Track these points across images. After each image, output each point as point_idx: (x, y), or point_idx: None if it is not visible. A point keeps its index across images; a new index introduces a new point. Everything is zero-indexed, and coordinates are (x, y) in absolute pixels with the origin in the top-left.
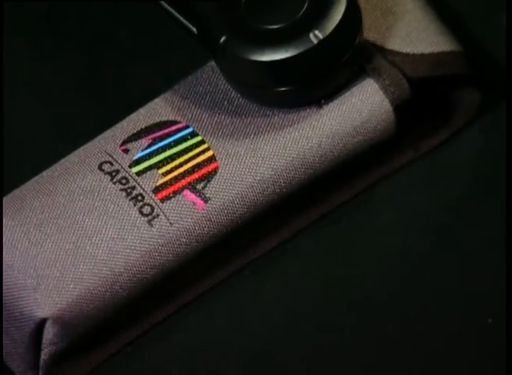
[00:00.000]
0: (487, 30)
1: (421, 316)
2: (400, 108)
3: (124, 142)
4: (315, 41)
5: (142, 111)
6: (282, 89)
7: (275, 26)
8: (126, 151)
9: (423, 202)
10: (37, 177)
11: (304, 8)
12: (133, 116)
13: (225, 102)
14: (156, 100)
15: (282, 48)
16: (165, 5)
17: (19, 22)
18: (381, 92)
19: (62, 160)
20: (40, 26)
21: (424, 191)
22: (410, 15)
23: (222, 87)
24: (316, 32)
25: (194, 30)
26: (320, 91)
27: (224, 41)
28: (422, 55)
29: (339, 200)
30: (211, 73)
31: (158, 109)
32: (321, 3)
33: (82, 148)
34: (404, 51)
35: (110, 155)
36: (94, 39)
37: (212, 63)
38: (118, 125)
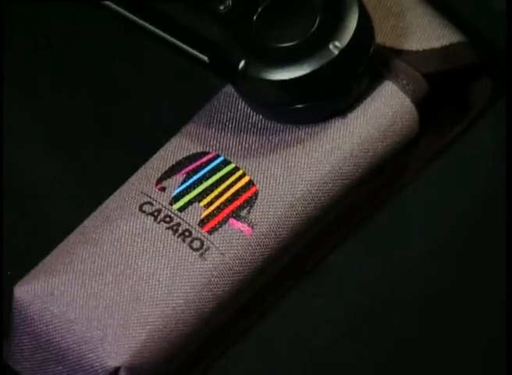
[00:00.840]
0: (484, 18)
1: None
2: (421, 105)
3: (159, 180)
4: (336, 52)
5: (169, 147)
6: (309, 104)
7: (292, 43)
8: (163, 189)
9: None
10: (79, 228)
11: (317, 20)
12: (161, 153)
13: (250, 126)
14: (180, 134)
15: (304, 64)
16: (171, 38)
17: (22, 68)
18: (401, 93)
19: (101, 207)
20: (42, 69)
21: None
22: (410, 12)
23: (243, 111)
24: (335, 43)
25: (206, 58)
26: (345, 100)
27: (244, 65)
28: (432, 50)
29: (369, 211)
30: (228, 99)
31: (184, 143)
32: (334, 13)
33: (117, 192)
34: (414, 48)
35: (148, 196)
36: (98, 78)
37: (227, 89)
38: (148, 164)
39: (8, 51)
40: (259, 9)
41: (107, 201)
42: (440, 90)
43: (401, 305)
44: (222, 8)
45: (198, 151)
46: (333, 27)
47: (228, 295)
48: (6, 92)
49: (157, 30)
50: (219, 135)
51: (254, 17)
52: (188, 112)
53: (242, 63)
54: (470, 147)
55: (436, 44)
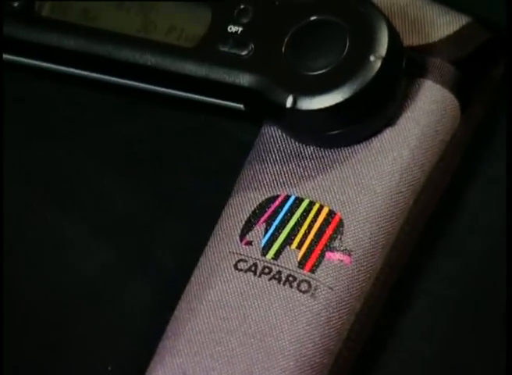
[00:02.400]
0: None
1: None
2: (457, 93)
3: (242, 236)
4: (379, 62)
5: (234, 202)
6: (363, 121)
7: (332, 66)
8: (250, 243)
9: None
10: (181, 305)
11: (348, 39)
12: (230, 210)
13: (307, 158)
14: (239, 186)
15: (352, 83)
16: (203, 97)
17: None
18: (438, 85)
19: (193, 279)
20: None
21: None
22: (410, 8)
23: (294, 146)
24: (375, 54)
25: (241, 106)
26: (394, 109)
27: (292, 101)
28: (448, 37)
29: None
30: (272, 139)
31: (249, 194)
32: (362, 28)
33: (202, 261)
34: (431, 41)
35: (238, 254)
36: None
37: (266, 130)
38: (221, 225)
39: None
40: (285, 42)
41: (196, 272)
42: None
43: None
44: (245, 54)
45: (266, 197)
46: (368, 40)
47: (346, 326)
48: None
49: (177, 92)
50: (281, 176)
51: (283, 50)
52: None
53: (290, 100)
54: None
55: (448, 31)
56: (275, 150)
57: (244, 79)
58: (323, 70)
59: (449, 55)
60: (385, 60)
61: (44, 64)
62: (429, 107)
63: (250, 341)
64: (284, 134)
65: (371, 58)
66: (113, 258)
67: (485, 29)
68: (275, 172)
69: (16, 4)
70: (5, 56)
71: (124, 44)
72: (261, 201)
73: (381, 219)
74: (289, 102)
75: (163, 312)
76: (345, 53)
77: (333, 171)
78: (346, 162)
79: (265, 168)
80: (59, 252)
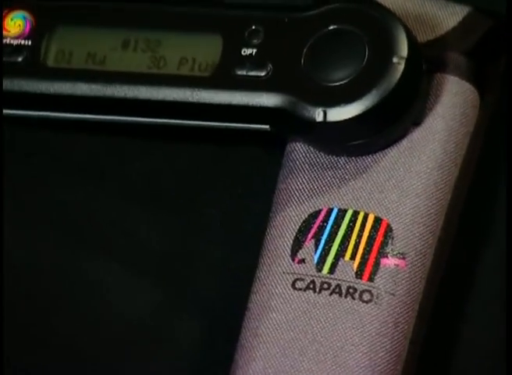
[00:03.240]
0: None
1: None
2: (473, 83)
3: (293, 255)
4: (402, 63)
5: (275, 223)
6: (394, 124)
7: (356, 74)
8: (303, 261)
9: None
10: (245, 333)
11: (366, 45)
12: (274, 231)
13: (341, 169)
14: (277, 205)
15: (379, 87)
16: (226, 124)
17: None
18: (457, 78)
19: (250, 306)
20: None
21: None
22: (409, 5)
23: (323, 158)
24: (398, 55)
25: (267, 127)
26: (421, 108)
27: (322, 114)
28: (454, 29)
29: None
30: (301, 155)
31: (290, 212)
32: (379, 32)
33: (257, 286)
34: (439, 34)
35: (293, 273)
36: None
37: (293, 148)
38: (269, 247)
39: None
40: (303, 56)
41: (254, 298)
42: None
43: None
44: (264, 74)
45: (309, 213)
46: (387, 43)
47: (411, 329)
48: None
49: (198, 123)
50: (319, 190)
51: (302, 65)
52: None
53: (320, 113)
54: None
55: (452, 22)
56: (306, 166)
57: (268, 99)
58: (348, 79)
59: (458, 46)
60: (408, 60)
61: (56, 114)
62: (452, 101)
63: (324, 359)
64: (312, 148)
65: (394, 59)
66: (157, 296)
67: (486, 17)
68: (313, 187)
69: (19, 58)
70: (18, 112)
71: (138, 83)
72: (304, 218)
73: (426, 218)
74: (319, 116)
75: (215, 345)
76: (366, 59)
77: (370, 177)
78: (381, 166)
79: (301, 184)
80: (100, 295)
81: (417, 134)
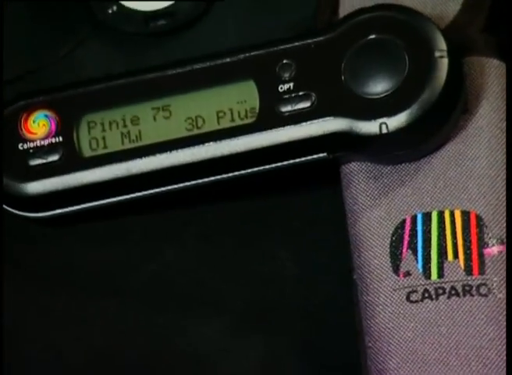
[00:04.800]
0: None
1: None
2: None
3: (396, 271)
4: (445, 56)
5: (362, 248)
6: (451, 118)
7: (402, 78)
8: (408, 273)
9: None
10: (372, 367)
11: (402, 49)
12: (364, 256)
13: (405, 175)
14: (355, 233)
15: (431, 86)
16: (285, 163)
17: None
18: (484, 58)
19: (370, 332)
20: None
21: None
22: (407, 0)
23: (384, 170)
24: (438, 50)
25: (324, 155)
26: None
27: (384, 125)
28: (460, 11)
29: None
30: (361, 174)
31: (373, 234)
32: (411, 33)
33: (369, 314)
34: (451, 19)
35: (403, 288)
36: None
37: (349, 170)
38: (366, 272)
39: None
40: (342, 76)
41: (369, 324)
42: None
43: None
44: (310, 104)
45: (394, 226)
46: (424, 41)
47: None
48: None
49: (251, 170)
50: (395, 201)
51: (344, 84)
52: None
53: (382, 126)
54: None
55: (456, 4)
56: (371, 181)
57: (323, 127)
58: (395, 86)
59: (472, 24)
60: (449, 52)
61: (102, 201)
62: (489, 81)
63: (467, 362)
64: (369, 164)
65: (436, 54)
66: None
67: None
68: (388, 200)
69: (55, 157)
70: (64, 210)
71: (182, 147)
72: (391, 232)
73: (503, 197)
74: (382, 128)
75: None
76: (407, 62)
77: (440, 173)
78: (445, 161)
79: (374, 201)
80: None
81: (468, 122)
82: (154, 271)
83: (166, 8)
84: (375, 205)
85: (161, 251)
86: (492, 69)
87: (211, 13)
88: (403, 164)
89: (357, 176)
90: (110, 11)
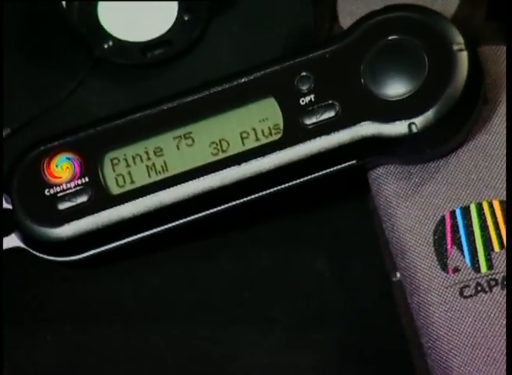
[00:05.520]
0: None
1: None
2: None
3: (445, 269)
4: (464, 51)
5: (405, 247)
6: (475, 109)
7: (424, 76)
8: (457, 269)
9: None
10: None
11: (420, 47)
12: (407, 257)
13: (437, 172)
14: (397, 240)
15: (455, 81)
16: (315, 175)
17: None
18: (493, 46)
19: (429, 337)
20: None
21: None
22: None
23: (413, 170)
24: (456, 43)
25: (353, 162)
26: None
27: (414, 125)
28: (460, 4)
29: None
30: (391, 176)
31: (414, 233)
32: (427, 34)
33: (424, 315)
34: (451, 14)
35: (455, 284)
36: None
37: (379, 173)
38: (413, 273)
39: None
40: (362, 81)
41: (428, 329)
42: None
43: None
44: (335, 113)
45: (434, 224)
46: (441, 37)
47: None
48: None
49: (284, 186)
50: (430, 199)
51: (365, 87)
52: None
53: (411, 126)
54: None
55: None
56: (402, 183)
57: (351, 135)
58: (418, 84)
59: (476, 15)
60: (466, 46)
61: (134, 237)
62: (504, 67)
63: None
64: (397, 166)
65: (455, 47)
66: None
67: None
68: (422, 200)
69: (84, 199)
70: (95, 251)
71: (210, 172)
72: (432, 230)
73: None
74: (412, 128)
75: None
76: (426, 60)
77: (470, 166)
78: (473, 152)
79: (409, 202)
80: None
81: (489, 112)
82: (195, 296)
83: (162, 36)
84: (411, 205)
85: (199, 275)
86: (503, 56)
87: (207, 36)
88: (431, 162)
89: (387, 179)
90: (106, 46)
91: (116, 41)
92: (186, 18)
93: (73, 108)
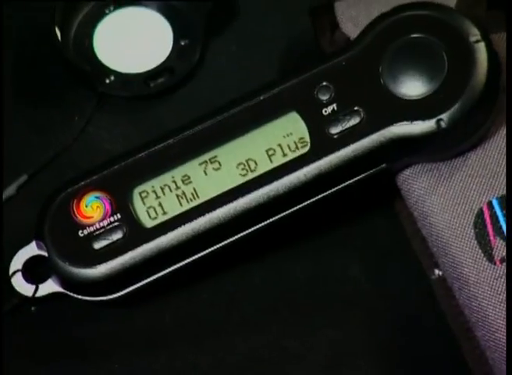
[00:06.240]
0: None
1: None
2: None
3: (491, 261)
4: (481, 42)
5: (447, 244)
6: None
7: (446, 69)
8: (504, 259)
9: None
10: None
11: (437, 45)
12: (451, 253)
13: (465, 166)
14: (437, 228)
15: (477, 71)
16: (347, 183)
17: None
18: (500, 33)
19: (489, 334)
20: None
21: None
22: None
23: (441, 166)
24: (473, 36)
25: (383, 166)
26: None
27: (442, 122)
28: None
29: None
30: (421, 175)
31: (454, 229)
32: (442, 29)
33: (477, 311)
34: (456, 2)
35: (503, 275)
36: None
37: (408, 174)
38: (459, 269)
39: None
40: (382, 84)
41: (484, 324)
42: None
43: None
44: (359, 121)
45: (473, 217)
46: (456, 30)
47: None
48: None
49: (318, 198)
50: (466, 192)
51: (387, 90)
52: None
53: (440, 122)
54: None
55: None
56: (433, 181)
57: (380, 138)
58: (441, 79)
59: (477, 5)
60: (483, 37)
61: (172, 268)
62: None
63: None
64: (425, 165)
65: (472, 39)
66: None
67: None
68: (456, 195)
69: (119, 236)
70: (134, 287)
71: (242, 194)
72: (472, 224)
73: None
74: (440, 124)
75: None
76: (445, 56)
77: (499, 156)
78: (498, 141)
79: (444, 199)
80: None
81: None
82: (235, 315)
83: (161, 64)
84: (446, 201)
85: (235, 295)
86: (503, 43)
87: (208, 59)
88: (458, 157)
89: (417, 179)
90: (108, 81)
91: (118, 74)
92: (182, 43)
93: (85, 147)
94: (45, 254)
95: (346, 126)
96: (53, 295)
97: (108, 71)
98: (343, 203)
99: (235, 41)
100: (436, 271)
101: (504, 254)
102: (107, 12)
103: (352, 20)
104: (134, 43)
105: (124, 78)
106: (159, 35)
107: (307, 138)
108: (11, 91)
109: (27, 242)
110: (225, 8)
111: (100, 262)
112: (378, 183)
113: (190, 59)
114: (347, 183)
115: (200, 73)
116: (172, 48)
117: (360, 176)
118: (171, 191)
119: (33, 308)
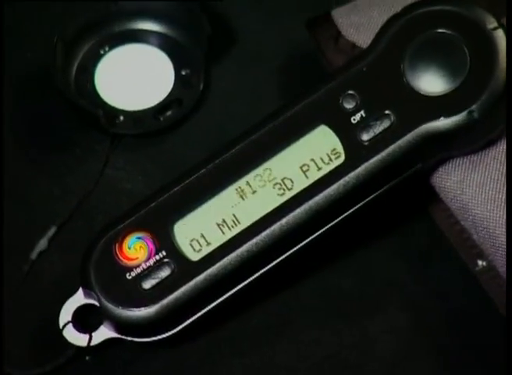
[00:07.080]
0: None
1: None
2: None
3: None
4: (499, 25)
5: (491, 234)
6: None
7: (469, 61)
8: None
9: None
10: None
11: (455, 39)
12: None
13: (493, 160)
14: (478, 221)
15: (499, 58)
16: (385, 187)
17: None
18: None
19: None
20: None
21: None
22: None
23: (471, 159)
24: (490, 24)
25: (419, 166)
26: None
27: (474, 113)
28: None
29: None
30: (455, 170)
31: (493, 220)
32: (459, 22)
33: None
34: None
35: None
36: None
37: (441, 171)
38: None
39: None
40: (406, 84)
41: None
42: None
43: None
44: (390, 124)
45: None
46: (473, 20)
47: None
48: None
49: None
50: (502, 180)
51: (413, 90)
52: None
53: (472, 114)
54: None
55: None
56: (468, 174)
57: (413, 140)
58: (466, 72)
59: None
60: (499, 24)
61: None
62: None
63: None
64: (456, 161)
65: (489, 26)
66: None
67: None
68: (494, 184)
69: (167, 273)
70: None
71: (285, 214)
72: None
73: None
74: (474, 115)
75: None
76: (466, 47)
77: None
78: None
79: (484, 189)
80: None
81: None
82: (289, 337)
83: (168, 97)
84: (486, 191)
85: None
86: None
87: (211, 85)
88: (487, 146)
89: (452, 173)
90: (118, 121)
91: (127, 113)
92: (183, 73)
93: (107, 189)
94: (94, 302)
95: (377, 132)
96: (107, 341)
97: (117, 111)
98: (376, 209)
99: (235, 63)
100: (480, 262)
101: None
102: (102, 52)
103: (353, 26)
104: (136, 80)
105: (134, 116)
106: (159, 68)
107: (340, 149)
108: (23, 140)
109: (69, 293)
110: (223, 35)
111: (153, 302)
112: (410, 185)
113: (195, 87)
114: (385, 187)
115: (206, 100)
116: (175, 79)
117: (397, 179)
118: (210, 220)
119: (87, 358)
